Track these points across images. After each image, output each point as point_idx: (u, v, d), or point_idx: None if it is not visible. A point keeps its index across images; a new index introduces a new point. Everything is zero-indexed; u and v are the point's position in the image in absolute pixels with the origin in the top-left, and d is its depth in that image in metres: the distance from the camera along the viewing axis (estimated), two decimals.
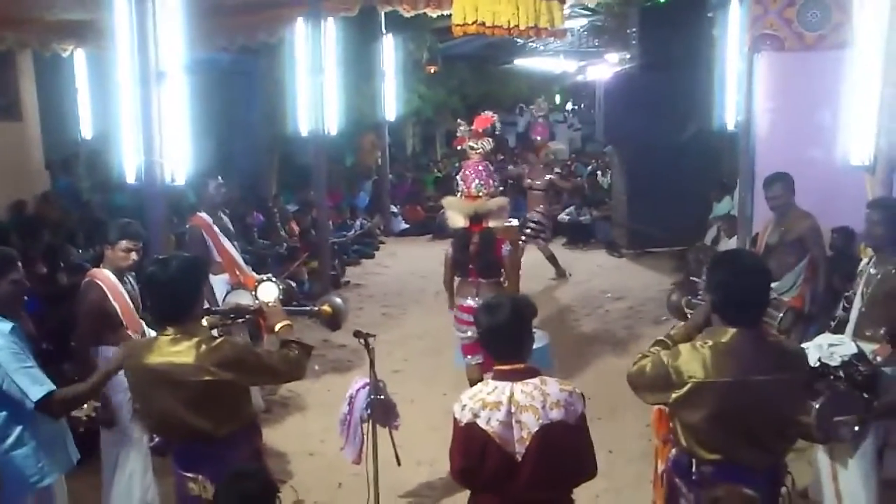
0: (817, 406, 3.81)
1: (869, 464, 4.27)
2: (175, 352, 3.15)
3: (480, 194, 5.93)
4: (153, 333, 4.50)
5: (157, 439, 3.43)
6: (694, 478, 2.98)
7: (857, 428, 3.92)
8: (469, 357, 5.89)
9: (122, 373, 3.50)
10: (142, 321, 4.60)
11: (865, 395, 3.93)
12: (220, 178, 6.59)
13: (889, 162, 4.87)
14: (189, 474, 3.25)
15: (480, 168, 6.00)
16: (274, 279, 6.19)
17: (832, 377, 3.89)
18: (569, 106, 26.36)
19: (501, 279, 5.96)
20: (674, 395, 2.93)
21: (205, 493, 3.20)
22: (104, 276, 4.53)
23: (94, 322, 4.47)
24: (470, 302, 5.84)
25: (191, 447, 3.27)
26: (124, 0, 5.39)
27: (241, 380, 3.25)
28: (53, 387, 3.49)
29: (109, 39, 5.55)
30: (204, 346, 3.15)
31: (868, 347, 4.20)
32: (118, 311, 4.50)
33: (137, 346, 3.43)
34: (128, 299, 4.57)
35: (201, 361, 3.11)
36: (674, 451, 3.12)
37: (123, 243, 4.55)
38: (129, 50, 5.39)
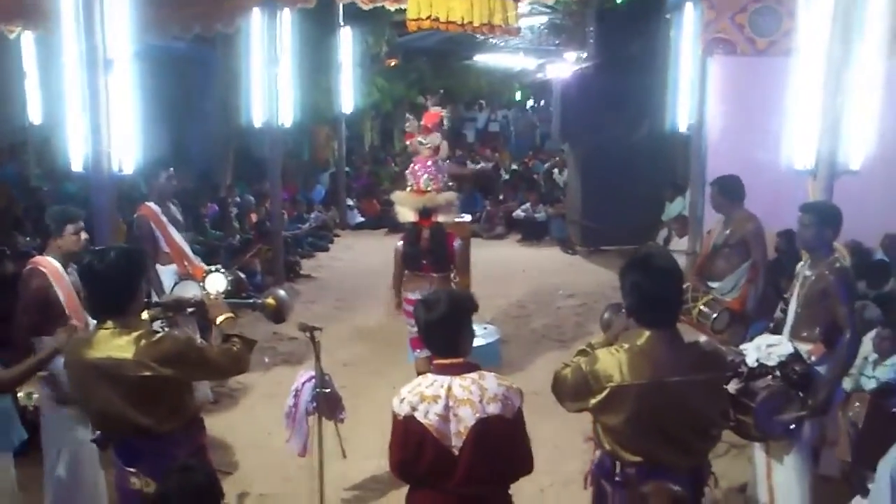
0: (755, 405, 3.91)
1: (803, 461, 4.37)
2: (115, 346, 3.10)
3: (429, 189, 6.02)
4: (92, 323, 4.49)
5: (98, 432, 3.39)
6: (618, 479, 3.00)
7: (793, 426, 4.02)
8: (417, 351, 5.92)
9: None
10: (84, 313, 4.54)
11: (801, 394, 4.04)
12: (170, 168, 6.51)
13: (829, 167, 4.96)
14: (131, 469, 3.22)
15: (429, 164, 6.08)
16: (223, 270, 6.15)
17: (770, 376, 3.98)
18: (529, 103, 26.47)
19: (452, 274, 6.00)
20: (592, 401, 2.95)
21: (146, 488, 3.16)
22: (48, 263, 4.45)
23: (37, 310, 4.38)
24: (417, 295, 5.81)
25: (132, 442, 3.22)
26: None
27: (182, 375, 3.22)
28: None
29: (56, 22, 5.44)
30: (144, 341, 3.11)
31: (804, 347, 4.28)
32: (62, 299, 4.42)
33: (77, 340, 3.38)
34: (71, 288, 4.51)
35: (141, 357, 3.07)
36: (597, 452, 3.13)
37: (70, 228, 4.50)
38: (76, 34, 5.29)
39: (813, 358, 4.28)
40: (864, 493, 4.08)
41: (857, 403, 4.90)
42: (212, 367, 3.35)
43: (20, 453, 4.19)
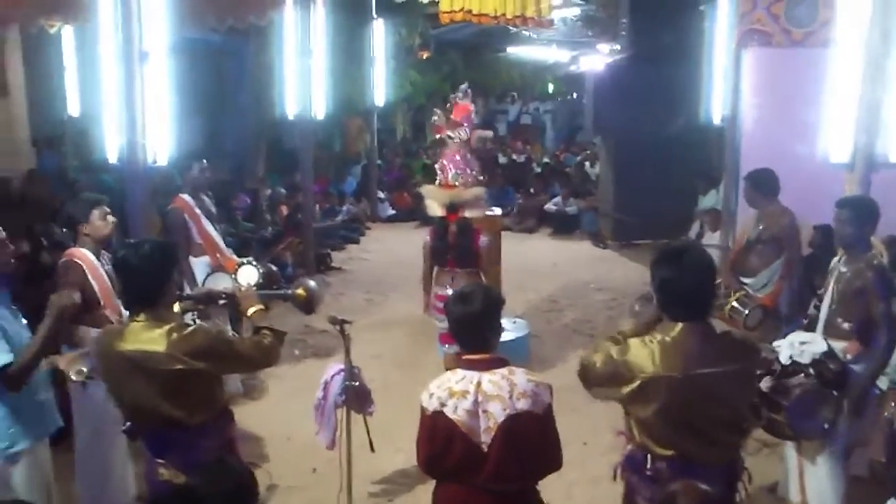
0: (787, 403, 3.85)
1: (837, 461, 4.31)
2: (147, 339, 3.13)
3: (457, 183, 5.99)
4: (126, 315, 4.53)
5: (128, 423, 3.43)
6: (649, 473, 2.97)
7: (826, 426, 3.96)
8: (446, 346, 5.89)
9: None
10: (118, 303, 4.59)
11: (835, 393, 3.98)
12: (204, 160, 6.57)
13: (867, 160, 4.88)
14: (160, 460, 3.25)
15: (458, 157, 6.04)
16: (254, 263, 6.22)
17: (803, 375, 3.92)
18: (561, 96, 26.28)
19: (478, 270, 5.96)
20: (624, 391, 2.92)
21: (176, 479, 3.19)
22: (82, 255, 4.51)
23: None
24: (445, 291, 5.82)
25: (162, 434, 3.26)
26: None
27: (214, 369, 3.24)
28: (11, 357, 3.48)
29: (95, 16, 5.51)
30: (176, 335, 3.13)
31: (838, 345, 4.21)
32: (96, 290, 4.48)
33: (109, 332, 3.40)
34: (106, 279, 4.56)
35: (173, 350, 3.10)
36: (628, 447, 3.11)
37: (96, 213, 4.55)
38: (113, 27, 5.35)
39: (848, 356, 4.21)
40: None
41: (894, 403, 4.80)
42: (243, 360, 3.38)
43: (56, 441, 4.24)
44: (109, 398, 4.19)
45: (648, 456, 2.98)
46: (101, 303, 4.49)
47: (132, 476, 4.70)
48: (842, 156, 5.00)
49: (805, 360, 3.95)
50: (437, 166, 6.22)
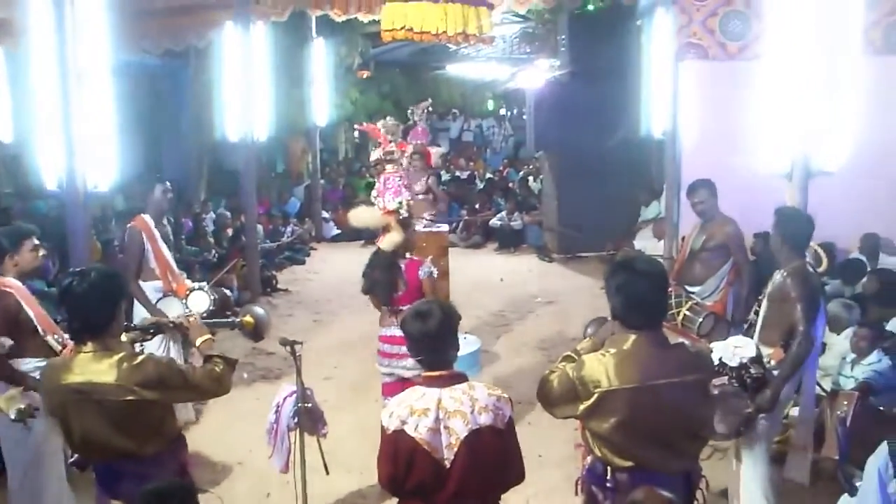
0: None
1: (758, 459, 4.40)
2: (95, 370, 3.06)
3: (394, 208, 5.29)
4: (68, 337, 4.41)
5: (76, 455, 3.33)
6: (609, 485, 2.99)
7: (741, 427, 4.04)
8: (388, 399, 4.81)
9: None
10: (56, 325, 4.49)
11: (755, 397, 4.07)
12: (167, 182, 6.44)
13: (804, 169, 5.00)
14: (114, 500, 3.16)
15: (395, 178, 5.46)
16: (205, 288, 6.12)
17: (727, 378, 4.01)
18: (502, 111, 26.50)
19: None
20: (582, 407, 2.95)
21: None
22: (12, 283, 4.37)
23: (8, 332, 4.30)
24: (389, 332, 5.12)
25: (114, 466, 3.17)
26: None
27: (165, 398, 3.18)
28: None
29: (27, 38, 5.38)
30: (126, 364, 3.06)
31: (767, 351, 4.33)
32: (33, 318, 4.36)
33: (54, 365, 3.31)
34: (38, 304, 4.45)
35: (123, 381, 3.03)
36: (588, 458, 3.13)
37: (27, 244, 4.44)
38: (47, 50, 5.24)
39: (772, 362, 4.31)
40: (853, 491, 4.10)
41: (845, 402, 4.92)
42: (194, 389, 3.32)
43: None
44: (52, 433, 4.09)
45: (608, 468, 3.00)
46: (40, 330, 4.36)
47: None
48: (779, 166, 5.10)
49: (734, 363, 4.04)
50: (373, 192, 5.57)
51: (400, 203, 5.27)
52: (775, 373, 4.26)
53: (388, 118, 6.31)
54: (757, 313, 4.73)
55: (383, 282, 5.09)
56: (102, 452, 3.15)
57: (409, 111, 6.79)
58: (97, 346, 3.11)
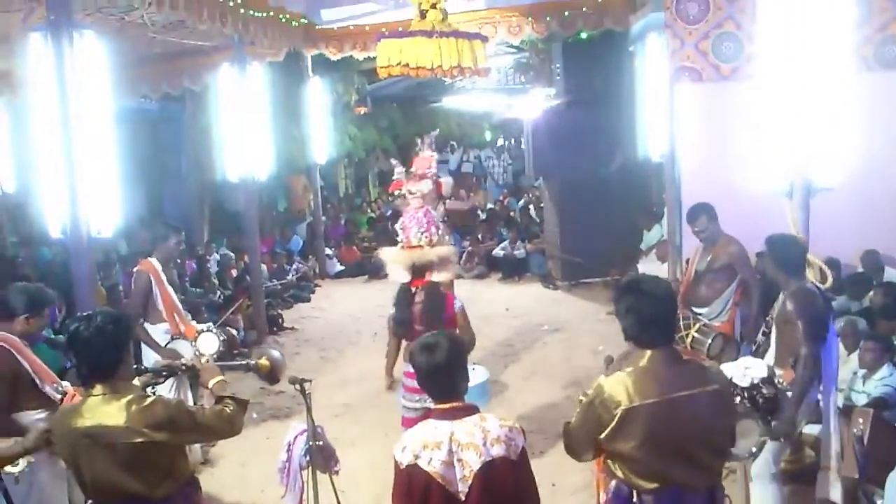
0: None
1: (770, 484, 4.36)
2: (105, 413, 3.06)
3: (421, 244, 5.36)
4: (67, 385, 4.42)
5: (89, 502, 3.32)
6: None
7: (754, 449, 4.01)
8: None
9: None
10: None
11: (769, 418, 4.04)
12: (182, 233, 6.50)
13: (805, 187, 5.01)
14: None
15: (420, 214, 5.47)
16: (214, 330, 6.12)
17: (738, 398, 3.98)
18: (500, 142, 26.64)
19: None
20: (605, 432, 2.96)
21: None
22: (7, 337, 4.36)
23: (8, 388, 4.29)
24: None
25: None
26: (39, 49, 5.31)
27: (175, 440, 3.18)
28: None
29: (28, 88, 5.44)
30: (135, 407, 3.07)
31: (778, 370, 4.30)
32: (29, 370, 4.35)
33: (65, 411, 3.32)
34: (34, 356, 4.46)
35: (133, 423, 3.03)
36: (613, 482, 3.13)
37: (47, 311, 4.53)
38: (47, 99, 5.30)
39: (784, 383, 4.26)
40: None
41: (861, 419, 4.87)
42: (205, 430, 3.31)
43: None
44: (65, 478, 4.07)
45: (634, 490, 3.00)
46: (38, 381, 4.37)
47: None
48: (779, 184, 5.11)
49: (744, 383, 4.02)
50: (398, 226, 5.60)
51: (422, 233, 5.34)
52: (789, 394, 4.24)
53: (397, 165, 6.25)
54: (765, 334, 4.72)
55: (432, 312, 5.11)
56: (114, 496, 3.13)
57: (419, 141, 6.80)
58: (106, 389, 3.11)
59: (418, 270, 5.26)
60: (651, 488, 2.96)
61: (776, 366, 4.39)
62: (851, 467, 4.77)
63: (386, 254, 5.61)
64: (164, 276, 6.13)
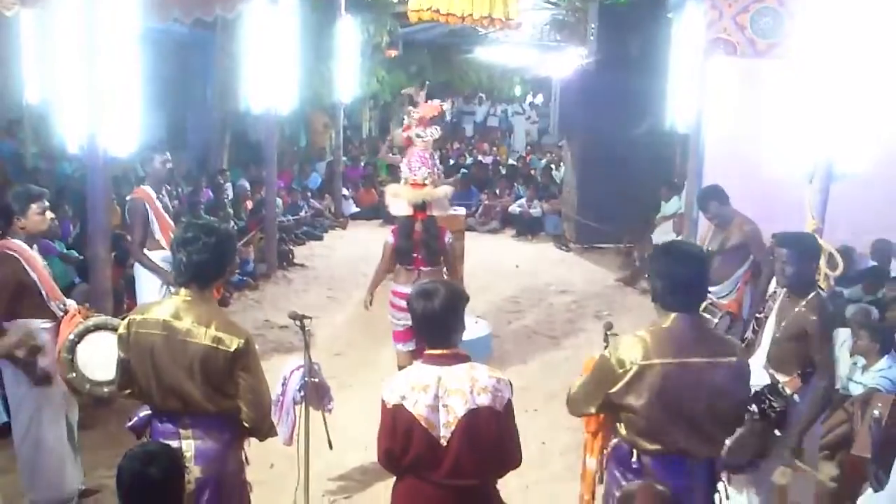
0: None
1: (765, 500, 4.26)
2: (189, 312, 3.13)
3: (426, 182, 5.85)
4: (71, 304, 4.45)
5: (135, 419, 3.35)
6: (634, 466, 3.05)
7: (751, 459, 3.94)
8: (400, 345, 5.84)
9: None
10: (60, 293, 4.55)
11: (776, 431, 3.95)
12: (167, 152, 6.41)
13: (827, 172, 4.94)
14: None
15: (426, 156, 5.92)
16: None
17: (748, 411, 3.71)
18: (528, 99, 26.40)
19: (443, 268, 5.94)
20: (617, 386, 2.99)
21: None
22: (17, 246, 4.40)
23: (11, 294, 4.34)
24: (407, 289, 5.57)
25: (176, 423, 3.19)
26: None
27: (241, 362, 3.14)
28: None
29: (55, 2, 5.41)
30: (220, 316, 3.21)
31: (778, 376, 4.14)
32: (37, 281, 4.39)
33: (146, 304, 3.42)
34: (45, 269, 4.50)
35: (213, 328, 3.10)
36: (614, 440, 3.20)
37: (34, 207, 4.44)
38: (74, 14, 5.26)
39: (788, 391, 4.06)
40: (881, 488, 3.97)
41: (880, 404, 4.80)
42: (256, 388, 3.22)
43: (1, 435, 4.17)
44: (51, 393, 4.14)
45: (634, 450, 3.06)
46: (44, 294, 4.41)
47: (78, 468, 4.65)
48: (802, 167, 5.05)
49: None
50: (403, 164, 6.07)
51: (428, 173, 5.85)
52: (796, 398, 4.08)
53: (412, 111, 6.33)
54: (755, 332, 4.45)
55: (430, 243, 5.79)
56: (173, 396, 3.15)
57: (414, 91, 6.89)
58: (195, 294, 3.17)
59: (421, 206, 5.85)
60: (652, 449, 3.01)
61: (768, 366, 4.21)
62: (864, 447, 4.65)
63: (393, 188, 6.17)
64: (158, 204, 6.01)
